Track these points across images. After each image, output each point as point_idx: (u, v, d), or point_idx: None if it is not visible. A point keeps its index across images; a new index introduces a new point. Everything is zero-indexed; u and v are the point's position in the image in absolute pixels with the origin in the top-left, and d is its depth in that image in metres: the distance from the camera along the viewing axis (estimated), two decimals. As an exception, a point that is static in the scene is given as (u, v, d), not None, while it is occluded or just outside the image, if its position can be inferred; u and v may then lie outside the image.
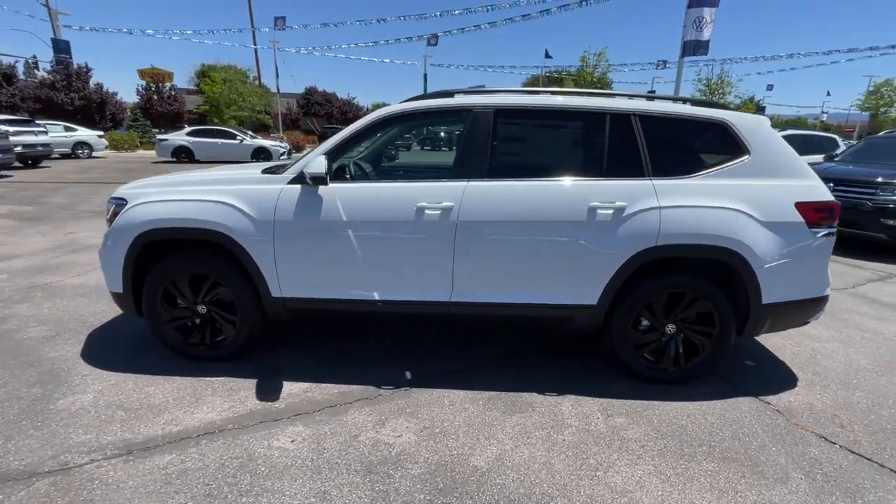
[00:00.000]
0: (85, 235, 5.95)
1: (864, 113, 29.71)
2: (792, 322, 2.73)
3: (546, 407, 2.48)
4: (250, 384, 2.61)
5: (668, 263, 2.55)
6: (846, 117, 40.28)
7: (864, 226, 5.89)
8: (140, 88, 30.21)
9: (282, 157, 17.12)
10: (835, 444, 2.24)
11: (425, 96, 2.76)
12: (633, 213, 2.46)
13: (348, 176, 2.88)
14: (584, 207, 2.48)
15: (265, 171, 2.89)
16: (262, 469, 1.97)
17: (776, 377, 2.87)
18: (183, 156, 17.04)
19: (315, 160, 2.43)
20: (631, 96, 2.84)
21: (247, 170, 3.15)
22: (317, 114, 42.69)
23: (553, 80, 40.67)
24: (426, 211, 2.51)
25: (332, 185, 2.54)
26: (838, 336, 3.50)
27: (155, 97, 30.26)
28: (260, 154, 16.69)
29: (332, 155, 2.59)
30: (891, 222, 5.77)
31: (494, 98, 2.68)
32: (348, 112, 43.07)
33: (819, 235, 2.53)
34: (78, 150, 17.75)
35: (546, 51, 35.70)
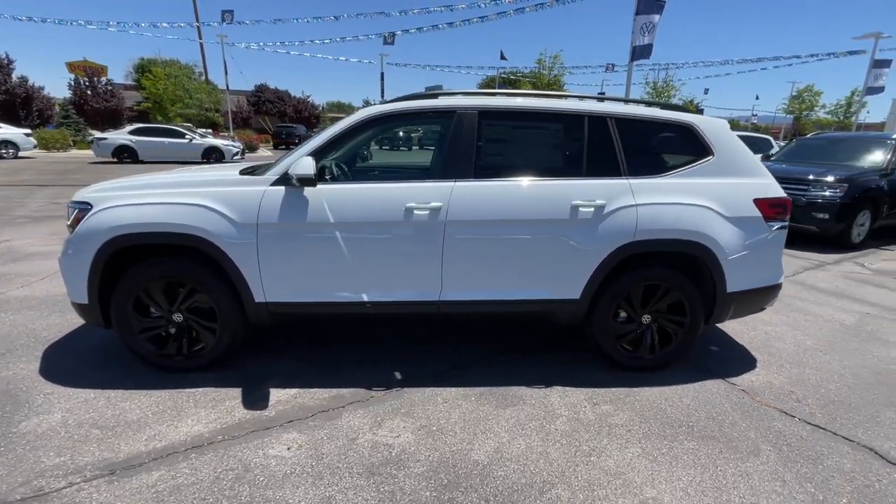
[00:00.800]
0: (23, 243, 5.46)
1: (788, 116, 32.74)
2: (752, 308, 2.97)
3: (536, 399, 2.56)
4: (235, 393, 2.52)
5: (644, 257, 2.71)
6: (773, 119, 44.22)
7: (799, 219, 6.47)
8: (71, 83, 27.93)
9: (235, 158, 16.42)
10: (794, 417, 2.48)
11: (410, 97, 2.76)
12: (612, 211, 2.60)
13: (328, 177, 2.84)
14: (567, 206, 2.58)
15: (243, 173, 2.79)
16: (261, 479, 1.92)
17: (738, 360, 3.11)
18: (125, 156, 15.92)
19: (302, 161, 2.38)
20: (601, 99, 3.00)
21: (222, 171, 3.03)
22: (269, 112, 41.23)
23: (509, 81, 41.50)
24: (415, 211, 2.52)
25: (319, 187, 2.50)
26: (786, 320, 3.84)
27: (89, 93, 28.09)
28: (212, 154, 15.91)
29: (317, 155, 2.55)
30: (820, 215, 6.39)
31: (478, 100, 2.74)
32: (303, 111, 41.90)
33: (774, 229, 2.77)
34: (1, 149, 16.17)
35: (501, 52, 36.27)
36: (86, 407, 2.35)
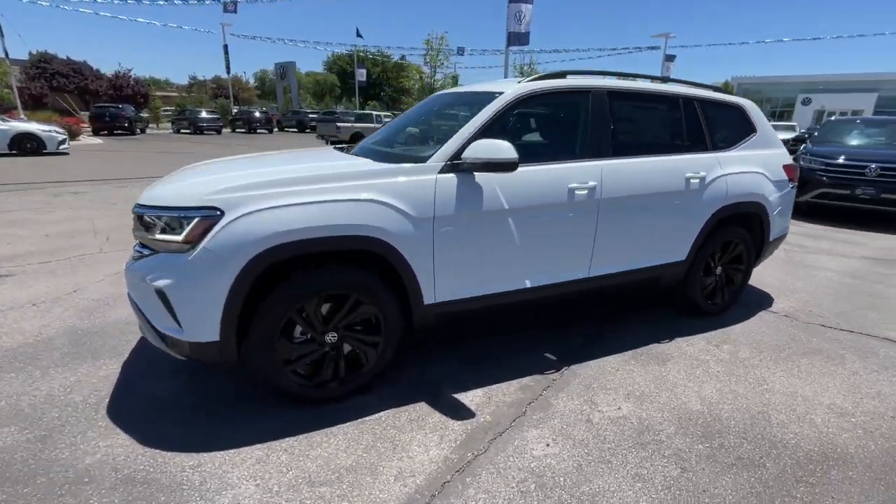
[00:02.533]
0: None
1: None
2: (771, 252, 3.78)
3: (675, 352, 2.89)
4: (423, 409, 2.25)
5: (727, 219, 3.22)
6: None
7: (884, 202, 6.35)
8: None
9: (62, 147, 12.74)
10: (830, 327, 3.32)
11: (542, 77, 2.69)
12: (711, 181, 3.02)
13: None
14: (682, 178, 2.91)
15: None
16: (561, 479, 1.84)
17: (760, 297, 3.91)
18: None
19: (496, 144, 2.17)
20: (666, 80, 3.38)
21: (330, 157, 2.57)
22: (65, 88, 32.61)
23: (366, 59, 40.22)
24: (576, 191, 2.55)
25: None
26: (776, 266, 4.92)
27: None
28: (24, 143, 11.97)
29: (480, 137, 2.35)
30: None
31: (604, 81, 2.85)
32: (123, 88, 34.26)
33: (792, 188, 3.57)
34: None
35: (357, 30, 34.96)
36: (270, 468, 1.85)
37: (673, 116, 3.10)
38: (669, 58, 30.10)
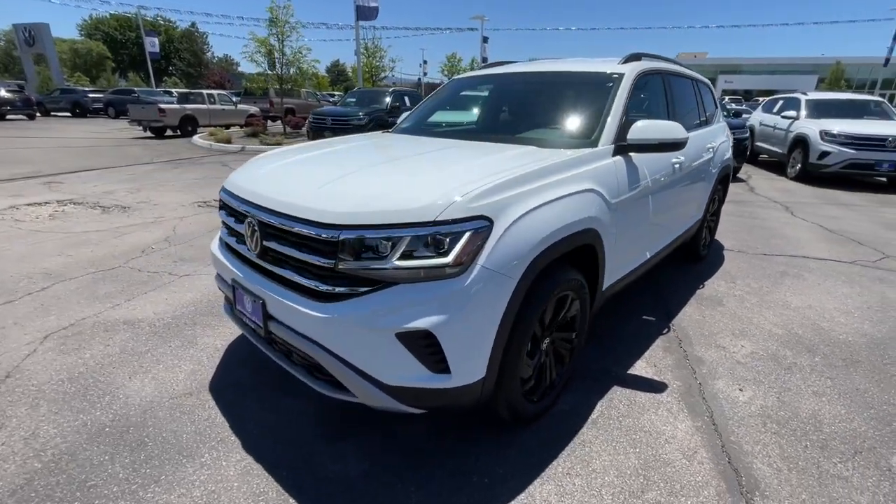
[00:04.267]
0: None
1: (446, 78, 41.88)
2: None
3: (718, 293, 3.50)
4: (623, 393, 2.28)
5: (722, 179, 3.95)
6: (441, 81, 56.91)
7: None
8: None
9: None
10: (769, 254, 4.43)
11: (631, 58, 2.78)
12: (714, 149, 3.66)
13: None
14: (706, 147, 3.47)
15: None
16: (780, 414, 2.14)
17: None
18: None
19: (668, 125, 2.22)
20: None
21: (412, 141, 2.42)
22: None
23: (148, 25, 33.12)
24: (693, 162, 2.89)
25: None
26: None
27: None
28: None
29: (624, 117, 2.38)
30: None
31: (677, 66, 3.24)
32: None
33: (730, 151, 4.55)
34: None
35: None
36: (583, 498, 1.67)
37: (693, 96, 3.61)
38: (486, 39, 33.08)
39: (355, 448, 1.88)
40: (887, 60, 28.74)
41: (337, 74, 73.65)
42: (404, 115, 3.44)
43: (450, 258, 1.49)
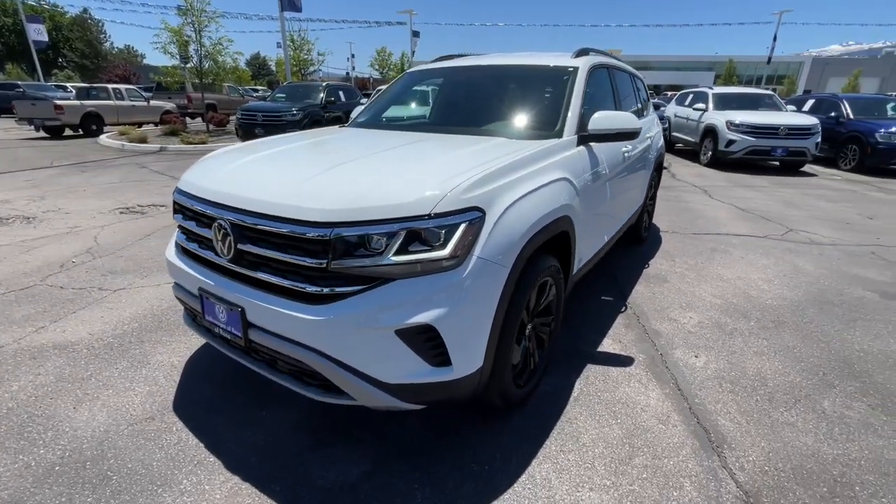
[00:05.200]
0: None
1: (376, 73, 40.74)
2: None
3: (662, 272, 3.80)
4: (597, 371, 2.41)
5: (657, 167, 4.27)
6: (369, 76, 54.98)
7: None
8: None
9: None
10: (697, 234, 4.88)
11: (582, 53, 2.90)
12: (652, 138, 3.96)
13: None
14: (645, 137, 3.73)
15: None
16: (733, 375, 2.39)
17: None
18: None
19: (623, 115, 2.35)
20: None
21: (428, 138, 2.32)
22: None
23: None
24: (638, 147, 3.09)
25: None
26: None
27: None
28: None
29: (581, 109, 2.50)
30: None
31: (616, 61, 3.38)
32: None
33: (661, 141, 4.94)
34: None
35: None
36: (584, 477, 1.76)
37: (632, 89, 3.85)
38: (415, 34, 32.87)
39: (348, 452, 1.82)
40: (769, 59, 32.62)
41: (258, 68, 69.59)
42: (358, 109, 3.34)
43: (447, 251, 1.48)
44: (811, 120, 8.94)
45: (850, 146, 9.45)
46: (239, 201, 1.65)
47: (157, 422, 1.97)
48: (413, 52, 34.58)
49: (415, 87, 3.35)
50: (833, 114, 10.02)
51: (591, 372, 2.39)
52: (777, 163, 9.64)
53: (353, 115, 3.30)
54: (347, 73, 60.51)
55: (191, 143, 10.92)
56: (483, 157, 1.87)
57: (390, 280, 1.48)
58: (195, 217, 1.84)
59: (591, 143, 2.47)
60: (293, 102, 10.86)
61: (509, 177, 1.76)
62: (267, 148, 2.22)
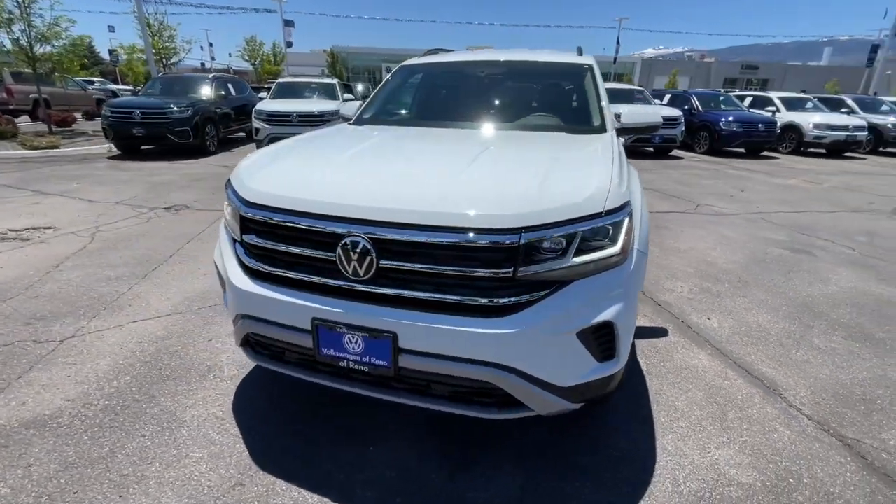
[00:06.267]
0: None
1: (245, 62, 36.23)
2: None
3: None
4: (645, 341, 2.63)
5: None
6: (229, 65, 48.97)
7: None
8: None
9: None
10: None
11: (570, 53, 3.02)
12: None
13: None
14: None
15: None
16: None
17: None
18: None
19: (653, 109, 2.59)
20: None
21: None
22: None
23: None
24: None
25: None
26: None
27: None
28: None
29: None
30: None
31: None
32: None
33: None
34: None
35: None
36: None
37: None
38: (288, 22, 30.60)
39: (493, 467, 1.73)
40: (615, 59, 37.76)
41: (85, 56, 58.07)
42: (352, 105, 3.06)
43: (617, 246, 1.49)
44: (677, 112, 10.68)
45: (703, 133, 11.54)
46: (379, 213, 1.43)
47: (251, 487, 1.63)
48: (289, 43, 32.20)
49: (422, 83, 3.18)
50: (686, 106, 12.10)
51: (641, 346, 2.61)
52: (652, 148, 11.31)
53: (350, 112, 3.01)
54: (203, 64, 54.15)
55: (39, 148, 8.74)
56: (585, 152, 1.91)
57: (568, 283, 1.45)
58: (297, 236, 1.54)
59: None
60: (175, 98, 9.36)
61: (624, 171, 1.83)
62: (334, 150, 1.96)
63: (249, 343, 1.77)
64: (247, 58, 33.76)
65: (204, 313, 2.88)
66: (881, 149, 13.04)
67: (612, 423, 1.98)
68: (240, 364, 2.36)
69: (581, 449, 1.84)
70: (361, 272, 1.45)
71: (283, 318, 1.58)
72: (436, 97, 3.05)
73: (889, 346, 2.65)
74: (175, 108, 8.67)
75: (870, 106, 13.76)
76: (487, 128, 2.49)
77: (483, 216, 1.38)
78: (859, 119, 12.11)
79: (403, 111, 2.94)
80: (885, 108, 13.83)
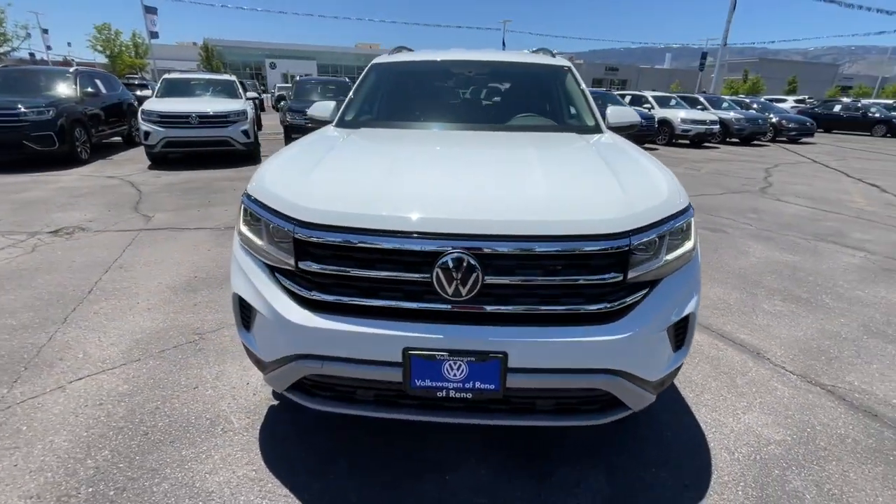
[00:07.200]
0: None
1: (99, 54, 30.03)
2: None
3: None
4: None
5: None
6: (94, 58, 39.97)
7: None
8: None
9: None
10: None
11: (539, 51, 3.08)
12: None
13: None
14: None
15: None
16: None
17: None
18: None
19: (630, 110, 2.74)
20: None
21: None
22: None
23: None
24: None
25: None
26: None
27: None
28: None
29: (592, 106, 2.80)
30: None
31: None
32: None
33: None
34: None
35: None
36: (720, 404, 2.13)
37: None
38: (151, 10, 26.67)
39: (572, 473, 1.72)
40: (501, 59, 39.98)
41: None
42: (326, 105, 2.77)
43: (692, 241, 1.58)
44: (640, 111, 11.86)
45: (664, 128, 13.20)
46: (484, 226, 1.32)
47: (335, 552, 1.41)
48: (153, 33, 28.12)
49: (410, 82, 2.98)
50: (646, 105, 13.56)
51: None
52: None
53: (323, 113, 2.73)
54: (32, 55, 44.98)
55: None
56: (627, 154, 2.00)
57: (658, 281, 1.49)
58: (380, 258, 1.35)
59: (604, 135, 2.82)
60: (25, 96, 7.62)
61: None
62: (369, 158, 1.76)
63: (303, 387, 1.52)
64: (100, 48, 28.66)
65: (171, 356, 2.41)
66: (728, 139, 15.73)
67: (651, 407, 2.09)
68: (248, 410, 2.02)
69: (636, 437, 1.92)
70: (464, 291, 1.32)
71: (364, 352, 1.38)
72: (433, 98, 2.90)
73: (815, 304, 3.22)
74: (32, 110, 7.07)
75: (716, 103, 16.49)
76: (500, 130, 2.45)
77: (593, 222, 1.35)
78: (712, 114, 14.45)
79: (398, 111, 2.75)
80: (725, 104, 16.71)
